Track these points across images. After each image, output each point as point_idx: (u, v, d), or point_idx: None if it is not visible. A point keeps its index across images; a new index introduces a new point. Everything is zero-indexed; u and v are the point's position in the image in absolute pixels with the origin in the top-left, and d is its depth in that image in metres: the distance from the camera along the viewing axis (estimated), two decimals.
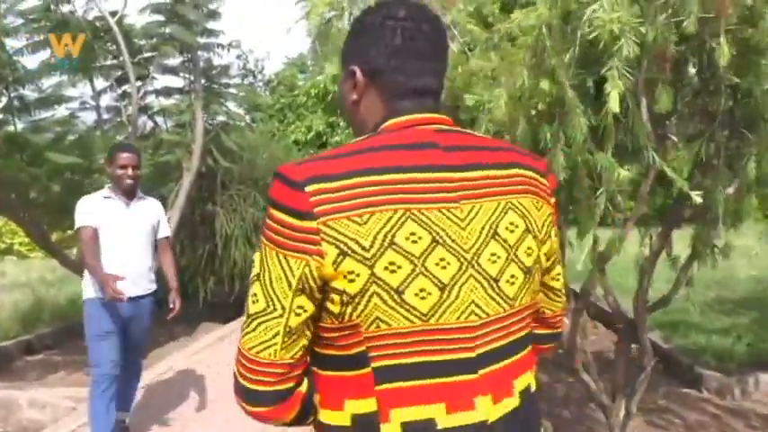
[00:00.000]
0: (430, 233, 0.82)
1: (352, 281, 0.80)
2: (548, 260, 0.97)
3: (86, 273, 3.17)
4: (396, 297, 0.81)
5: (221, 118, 7.25)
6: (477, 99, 2.07)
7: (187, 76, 6.85)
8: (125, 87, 6.53)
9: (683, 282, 3.37)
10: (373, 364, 0.82)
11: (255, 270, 0.86)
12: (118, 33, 5.57)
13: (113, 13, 5.83)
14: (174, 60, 6.69)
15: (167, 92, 7.02)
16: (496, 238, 0.87)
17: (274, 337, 0.83)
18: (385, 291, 0.80)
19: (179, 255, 6.92)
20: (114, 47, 6.11)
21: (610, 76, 1.84)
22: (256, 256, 0.87)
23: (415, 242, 0.81)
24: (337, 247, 0.80)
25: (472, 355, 0.85)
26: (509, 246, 0.88)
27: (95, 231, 3.05)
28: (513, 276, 0.88)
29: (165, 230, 3.36)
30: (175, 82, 7.19)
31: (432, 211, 0.83)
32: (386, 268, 0.80)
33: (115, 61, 6.43)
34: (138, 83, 6.15)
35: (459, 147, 0.89)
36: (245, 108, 6.82)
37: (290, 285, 0.81)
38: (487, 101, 1.98)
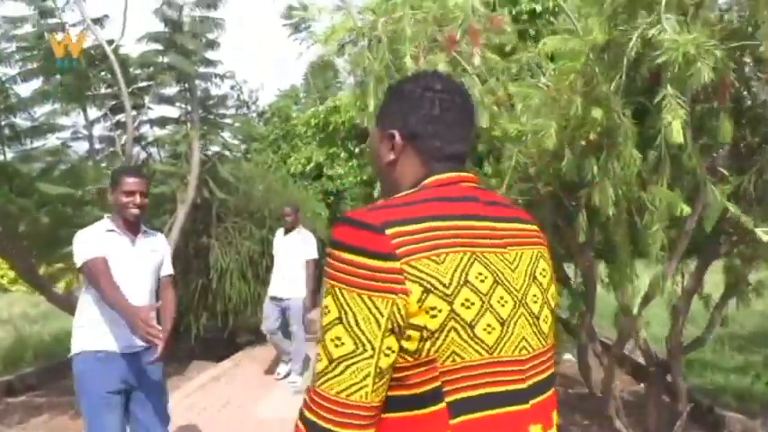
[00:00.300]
0: (492, 274, 0.91)
1: (434, 316, 0.86)
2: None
3: (77, 321, 2.69)
4: (469, 331, 0.88)
5: (216, 148, 7.09)
6: (520, 129, 1.92)
7: (183, 105, 6.70)
8: (119, 117, 6.36)
9: (718, 321, 3.20)
10: (447, 399, 0.86)
11: (333, 314, 0.86)
12: (114, 62, 5.41)
13: (110, 42, 5.69)
14: (171, 90, 6.55)
15: (162, 122, 6.84)
16: (535, 281, 0.99)
17: (365, 378, 0.84)
18: (461, 326, 0.87)
19: None
20: (109, 75, 5.96)
21: (666, 104, 1.71)
22: (328, 301, 0.88)
23: (482, 281, 0.90)
24: (421, 284, 0.86)
25: (524, 386, 0.93)
26: (543, 289, 1.00)
27: (106, 262, 2.58)
28: (546, 316, 1.00)
29: (169, 268, 3.01)
30: (171, 112, 7.04)
31: (490, 255, 0.93)
32: (462, 304, 0.87)
33: (109, 90, 6.27)
34: (133, 112, 5.98)
35: (494, 202, 1.02)
36: (241, 139, 6.65)
37: (379, 326, 0.84)
38: (531, 130, 1.82)
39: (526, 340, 0.94)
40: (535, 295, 0.98)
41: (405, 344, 0.86)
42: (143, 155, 6.87)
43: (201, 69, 6.41)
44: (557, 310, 1.14)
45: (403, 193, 0.99)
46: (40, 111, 5.41)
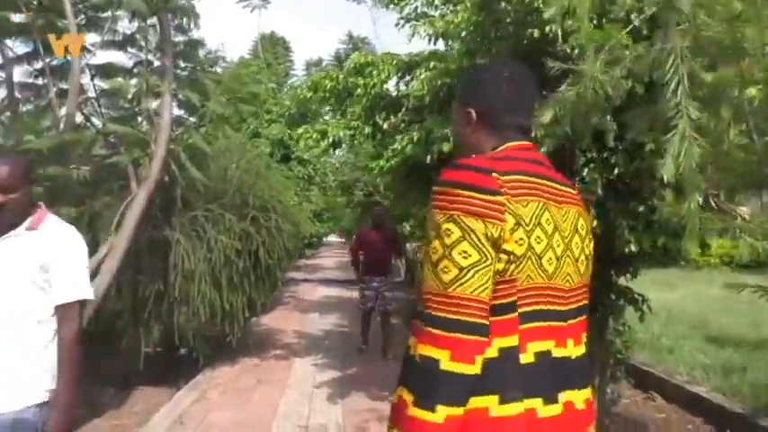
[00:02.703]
0: (553, 221, 1.20)
1: (520, 245, 1.13)
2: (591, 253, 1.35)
3: None
4: (538, 261, 1.16)
5: (180, 112, 5.39)
6: None
7: (139, 51, 4.99)
8: (51, 59, 4.60)
9: None
10: (519, 310, 1.14)
11: (455, 235, 1.10)
12: None
13: None
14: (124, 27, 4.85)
15: (109, 71, 5.09)
16: (577, 233, 1.26)
17: (488, 281, 1.11)
18: (534, 255, 1.15)
19: (114, 296, 4.93)
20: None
21: None
22: (449, 225, 1.11)
23: (548, 225, 1.19)
24: (515, 218, 1.13)
25: (565, 308, 1.23)
26: (581, 239, 1.28)
27: None
28: (583, 260, 1.28)
29: (69, 290, 1.88)
30: (120, 59, 5.28)
31: (553, 207, 1.21)
32: (536, 239, 1.16)
33: (42, 21, 4.48)
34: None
35: (552, 167, 1.30)
36: (229, 99, 5.00)
37: (492, 242, 1.11)
38: None
39: (570, 275, 1.23)
40: (577, 243, 1.25)
41: (498, 264, 1.12)
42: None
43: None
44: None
45: (490, 153, 1.25)
46: None
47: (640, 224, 3.47)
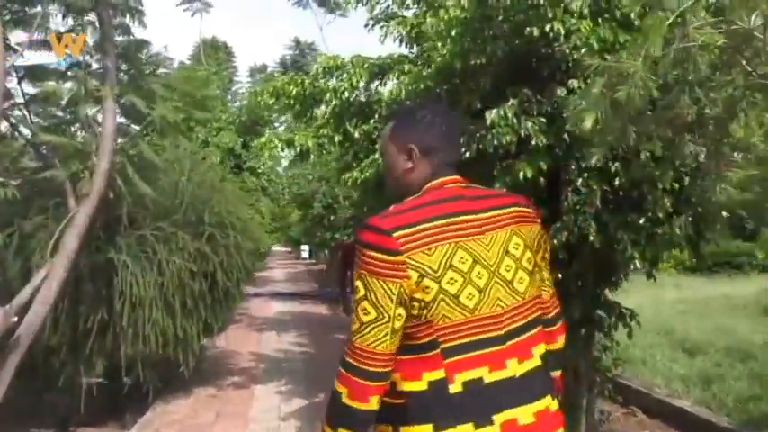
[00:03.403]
0: (471, 256, 1.30)
1: (427, 293, 1.26)
2: (542, 260, 1.44)
3: None
4: (455, 300, 1.28)
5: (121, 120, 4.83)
6: None
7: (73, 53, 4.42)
8: None
9: None
10: (441, 346, 1.28)
11: (361, 292, 1.28)
12: None
13: None
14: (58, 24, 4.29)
15: (40, 73, 4.51)
16: (508, 254, 1.34)
17: (384, 336, 1.26)
18: (448, 297, 1.27)
19: (50, 330, 4.34)
20: None
21: None
22: (358, 283, 1.29)
23: (464, 263, 1.29)
24: (417, 271, 1.26)
25: (501, 332, 1.32)
26: (516, 258, 1.35)
27: None
28: (521, 278, 1.36)
29: None
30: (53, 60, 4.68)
31: (470, 241, 1.30)
32: (448, 282, 1.27)
33: None
34: None
35: (477, 196, 1.40)
36: (179, 105, 4.49)
37: (391, 300, 1.26)
38: None
39: (501, 300, 1.32)
40: (508, 265, 1.34)
41: (412, 311, 1.27)
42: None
43: None
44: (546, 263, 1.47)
45: (410, 197, 1.38)
46: None
47: (642, 238, 3.25)
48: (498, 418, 1.27)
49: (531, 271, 1.37)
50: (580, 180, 3.32)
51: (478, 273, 1.28)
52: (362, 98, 4.34)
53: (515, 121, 2.90)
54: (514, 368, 1.31)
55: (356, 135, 4.18)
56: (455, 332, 1.27)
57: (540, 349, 1.37)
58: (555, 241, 3.24)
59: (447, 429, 1.25)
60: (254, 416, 5.04)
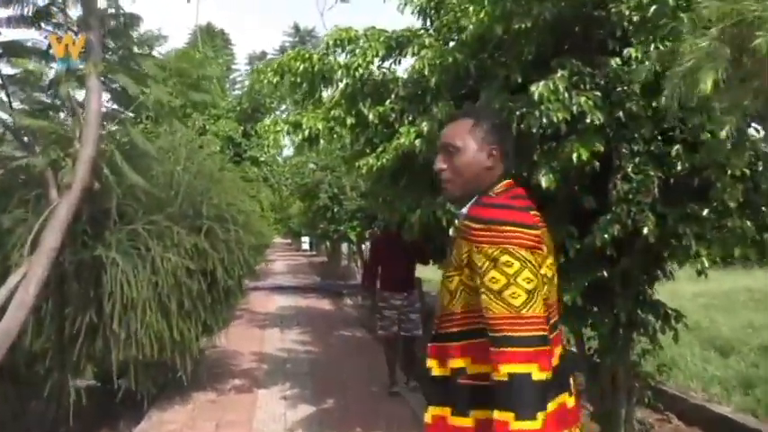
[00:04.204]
0: (547, 247, 1.45)
1: (550, 269, 1.42)
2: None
3: None
4: (549, 282, 1.43)
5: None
6: None
7: (54, 30, 3.97)
8: None
9: None
10: (550, 321, 1.42)
11: (515, 266, 1.31)
12: None
13: None
14: None
15: (18, 51, 4.05)
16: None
17: (542, 302, 1.33)
18: (548, 278, 1.41)
19: (33, 334, 3.93)
20: None
21: None
22: (507, 258, 1.32)
23: (549, 253, 1.46)
24: (547, 248, 1.41)
25: (553, 320, 1.46)
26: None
27: None
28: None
29: None
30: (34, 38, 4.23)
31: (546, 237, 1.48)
32: (547, 266, 1.41)
33: None
34: None
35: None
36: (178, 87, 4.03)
37: (539, 269, 1.35)
38: None
39: (552, 292, 1.46)
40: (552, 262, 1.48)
41: None
42: None
43: None
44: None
45: (496, 191, 1.48)
46: None
47: (708, 232, 2.82)
48: (551, 406, 1.33)
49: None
50: (631, 165, 2.90)
51: (549, 264, 1.42)
52: (377, 76, 3.89)
53: (566, 95, 2.47)
54: (555, 357, 1.43)
55: (371, 117, 3.74)
56: (552, 311, 1.43)
57: (559, 349, 1.47)
58: (605, 236, 2.82)
59: (551, 401, 1.34)
60: (258, 426, 4.64)
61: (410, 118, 3.53)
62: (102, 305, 4.20)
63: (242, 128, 10.40)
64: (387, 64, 4.00)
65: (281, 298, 12.86)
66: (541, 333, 1.28)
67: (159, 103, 3.87)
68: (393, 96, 3.78)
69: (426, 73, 3.25)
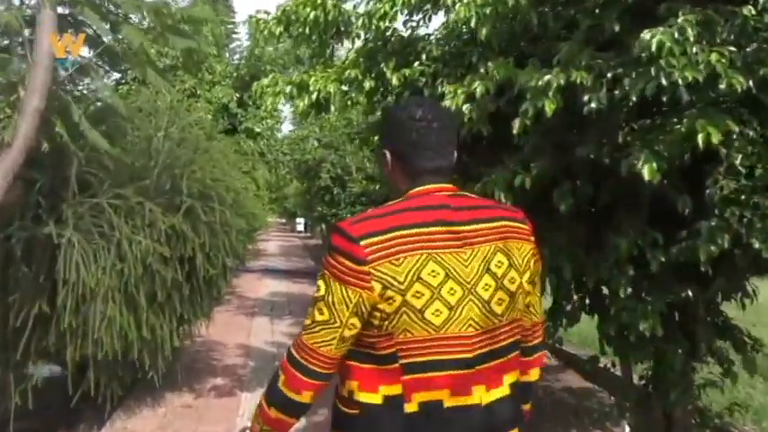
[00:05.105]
0: (444, 270, 1.21)
1: (390, 304, 1.20)
2: (529, 284, 1.32)
3: None
4: (419, 315, 1.20)
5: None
6: None
7: None
8: None
9: None
10: (401, 361, 1.21)
11: (321, 292, 1.24)
12: None
13: None
14: None
15: None
16: (488, 272, 1.25)
17: (332, 340, 1.22)
18: (411, 311, 1.20)
19: None
20: None
21: None
22: (320, 282, 1.25)
23: (434, 276, 1.20)
24: (381, 283, 1.20)
25: (470, 355, 1.23)
26: (497, 277, 1.26)
27: None
28: (500, 299, 1.26)
29: None
30: None
31: (445, 254, 1.22)
32: (413, 295, 1.20)
33: None
34: None
35: (463, 207, 1.29)
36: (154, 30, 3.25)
37: (347, 308, 1.21)
38: None
39: (474, 320, 1.22)
40: (487, 284, 1.24)
41: (373, 321, 1.21)
42: None
43: None
44: (532, 287, 1.34)
45: (390, 201, 1.30)
46: None
47: None
48: None
49: (513, 293, 1.28)
50: (741, 156, 2.18)
51: (450, 289, 1.22)
52: (404, 32, 3.15)
53: (692, 50, 1.74)
54: (480, 396, 1.25)
55: (394, 81, 3.01)
56: (417, 349, 1.22)
57: (511, 377, 1.30)
58: (712, 247, 2.11)
59: None
60: None
61: (444, 85, 2.81)
62: (55, 293, 3.48)
63: (238, 95, 9.53)
64: (416, 18, 3.26)
65: (274, 282, 12.15)
66: (303, 362, 1.25)
67: (129, 49, 3.10)
68: (424, 57, 3.05)
69: (473, 23, 2.51)
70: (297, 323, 8.10)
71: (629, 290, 2.50)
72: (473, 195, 1.41)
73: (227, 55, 14.05)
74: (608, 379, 4.07)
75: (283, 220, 36.14)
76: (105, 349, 3.59)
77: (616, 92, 1.93)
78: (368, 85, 3.05)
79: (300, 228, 31.44)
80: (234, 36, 14.33)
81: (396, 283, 1.18)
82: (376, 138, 2.96)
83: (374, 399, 1.22)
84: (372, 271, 1.18)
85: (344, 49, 3.49)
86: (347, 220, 1.28)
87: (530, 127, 2.23)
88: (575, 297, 3.00)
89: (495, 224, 1.28)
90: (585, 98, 1.95)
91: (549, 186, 2.44)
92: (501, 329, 1.27)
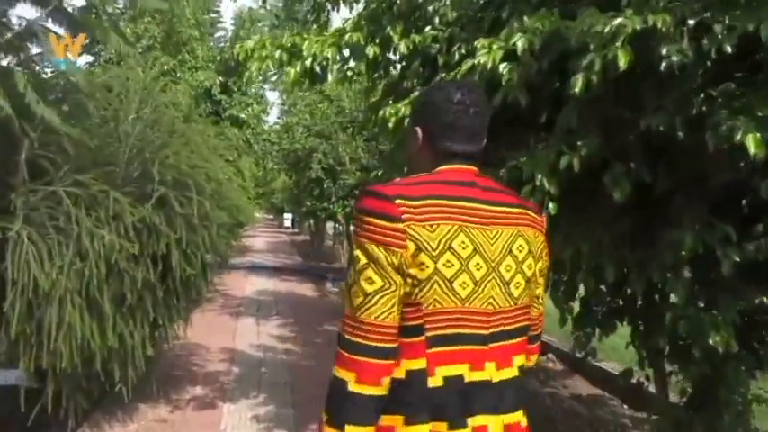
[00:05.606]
0: (473, 244, 1.20)
1: (422, 270, 1.17)
2: (540, 275, 1.35)
3: None
4: (448, 284, 1.18)
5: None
6: None
7: None
8: None
9: None
10: (427, 333, 1.18)
11: (362, 260, 1.18)
12: None
13: None
14: None
15: None
16: (511, 254, 1.25)
17: (393, 307, 1.16)
18: (443, 280, 1.17)
19: None
20: None
21: None
22: (358, 252, 1.19)
23: (464, 248, 1.19)
24: (416, 243, 1.17)
25: (486, 332, 1.23)
26: (518, 261, 1.26)
27: None
28: (518, 282, 1.27)
29: None
30: None
31: (474, 229, 1.21)
32: (444, 264, 1.18)
33: None
34: None
35: (490, 188, 1.30)
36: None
37: (394, 269, 1.16)
38: None
39: (494, 299, 1.23)
40: (509, 265, 1.24)
41: (404, 288, 1.17)
42: None
43: None
44: (540, 278, 1.35)
45: (418, 174, 1.30)
46: None
47: None
48: (472, 422, 1.20)
49: (529, 278, 1.30)
50: None
51: (477, 263, 1.21)
52: None
53: None
54: (491, 372, 1.24)
55: (402, 48, 2.55)
56: (444, 321, 1.20)
57: (520, 360, 1.30)
58: None
59: (418, 424, 1.18)
60: None
61: (462, 51, 2.36)
62: (4, 295, 3.00)
63: (221, 80, 8.97)
64: None
65: (260, 279, 11.65)
66: (372, 343, 1.15)
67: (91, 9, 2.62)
68: (437, 21, 2.59)
69: None
70: (285, 324, 7.64)
71: (689, 296, 2.07)
72: (493, 179, 1.39)
73: (212, 43, 13.51)
74: (637, 395, 3.63)
75: (271, 216, 35.54)
76: (63, 360, 3.12)
77: (704, 41, 1.50)
78: (371, 51, 2.59)
79: (288, 224, 30.92)
80: (219, 25, 13.73)
81: (429, 248, 1.17)
82: (389, 110, 2.49)
83: (398, 373, 1.18)
84: (407, 230, 1.17)
85: (341, 18, 3.03)
86: (377, 185, 1.26)
87: (575, 96, 1.79)
88: (617, 303, 2.57)
89: (517, 210, 1.30)
90: (664, 51, 1.52)
91: (595, 170, 2.01)
92: (514, 312, 1.28)
